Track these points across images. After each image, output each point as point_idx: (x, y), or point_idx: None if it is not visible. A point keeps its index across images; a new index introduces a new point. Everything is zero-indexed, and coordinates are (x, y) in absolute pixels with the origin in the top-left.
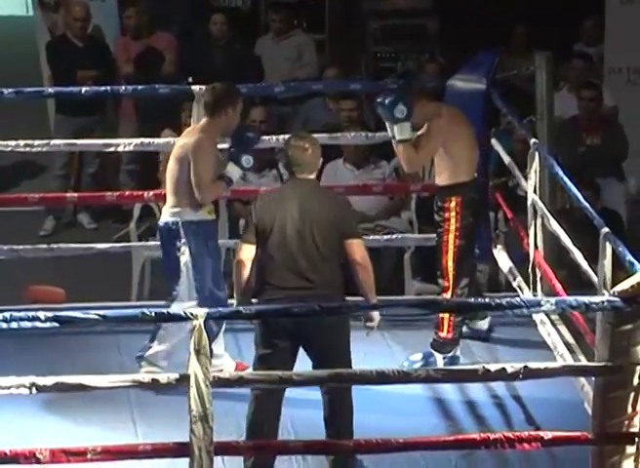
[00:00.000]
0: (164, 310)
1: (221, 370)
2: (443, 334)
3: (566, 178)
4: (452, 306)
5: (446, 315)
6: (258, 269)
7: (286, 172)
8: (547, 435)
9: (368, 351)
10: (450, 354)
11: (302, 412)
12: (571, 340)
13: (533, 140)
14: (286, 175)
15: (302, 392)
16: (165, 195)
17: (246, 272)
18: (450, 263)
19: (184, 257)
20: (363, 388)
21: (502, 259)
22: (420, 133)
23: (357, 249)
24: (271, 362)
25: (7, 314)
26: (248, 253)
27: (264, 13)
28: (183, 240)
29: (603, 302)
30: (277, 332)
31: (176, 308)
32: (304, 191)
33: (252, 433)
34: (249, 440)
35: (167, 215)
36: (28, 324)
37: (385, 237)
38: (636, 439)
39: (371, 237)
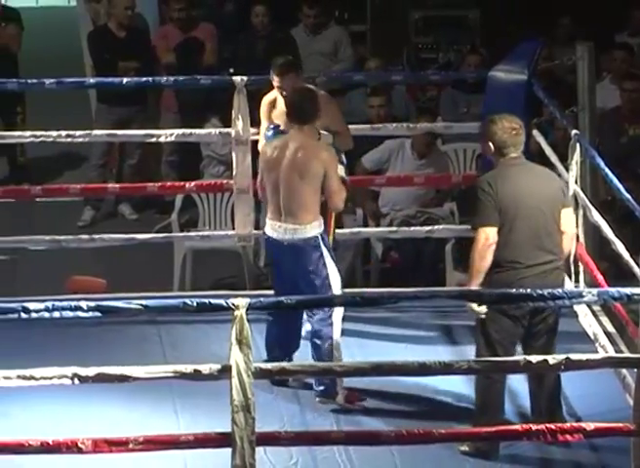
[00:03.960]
0: (205, 300)
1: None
2: None
3: (607, 170)
4: (493, 297)
5: None
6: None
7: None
8: (589, 426)
9: (409, 342)
10: None
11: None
12: (612, 332)
13: (574, 131)
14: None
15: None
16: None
17: (491, 255)
18: None
19: (329, 268)
20: (403, 379)
21: None
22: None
23: (572, 218)
24: (501, 346)
25: (49, 304)
26: (494, 235)
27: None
28: (325, 252)
29: None
30: (512, 318)
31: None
32: (526, 169)
33: (484, 414)
34: (481, 419)
35: (308, 231)
36: (70, 314)
37: (426, 228)
38: None
39: (412, 228)
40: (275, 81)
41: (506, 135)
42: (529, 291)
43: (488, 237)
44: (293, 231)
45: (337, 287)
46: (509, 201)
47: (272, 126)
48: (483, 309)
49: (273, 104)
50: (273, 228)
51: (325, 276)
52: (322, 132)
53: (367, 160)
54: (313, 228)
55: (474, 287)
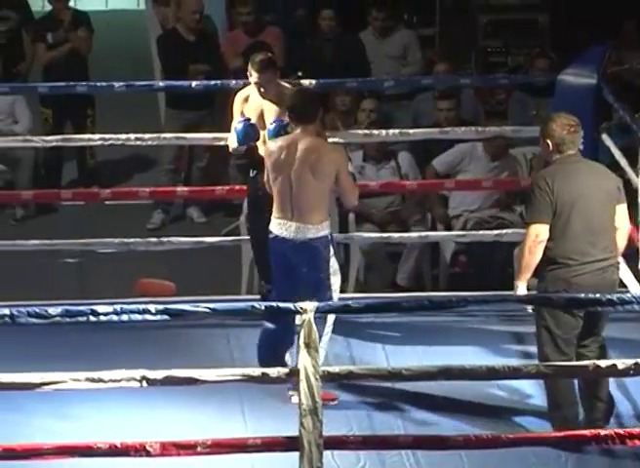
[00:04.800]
0: (274, 304)
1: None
2: None
3: None
4: (562, 301)
5: None
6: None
7: (404, 163)
8: None
9: (478, 346)
10: None
11: (412, 407)
12: None
13: None
14: (406, 167)
15: (412, 386)
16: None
17: (541, 252)
18: None
19: (333, 268)
20: (472, 383)
21: None
22: None
23: (625, 214)
24: (562, 340)
25: (117, 307)
26: (545, 232)
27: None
28: (332, 252)
29: None
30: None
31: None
32: (583, 166)
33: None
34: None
35: (319, 230)
36: (139, 316)
37: (495, 232)
38: None
39: (481, 232)
40: (254, 77)
41: (565, 131)
42: (598, 295)
43: (539, 234)
44: (304, 230)
45: (336, 288)
46: (566, 198)
47: (242, 119)
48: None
49: (246, 100)
50: (281, 227)
51: (327, 277)
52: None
53: (438, 163)
54: (324, 228)
55: (522, 281)
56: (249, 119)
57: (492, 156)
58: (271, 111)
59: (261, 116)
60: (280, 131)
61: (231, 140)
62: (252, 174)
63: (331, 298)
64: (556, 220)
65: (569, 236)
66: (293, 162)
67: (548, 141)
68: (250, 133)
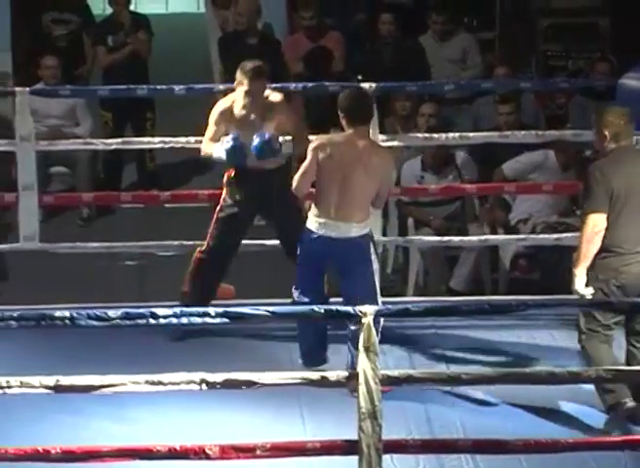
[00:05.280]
0: (333, 307)
1: None
2: None
3: None
4: (625, 306)
5: None
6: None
7: (463, 164)
8: None
9: (537, 350)
10: None
11: (471, 411)
12: None
13: None
14: (468, 174)
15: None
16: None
17: (599, 241)
18: None
19: (375, 266)
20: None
21: None
22: None
23: None
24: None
25: (177, 310)
26: (602, 221)
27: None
28: (372, 250)
29: None
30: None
31: None
32: (638, 156)
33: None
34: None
35: (362, 229)
36: (199, 319)
37: (555, 236)
38: None
39: (541, 236)
40: (245, 84)
41: (622, 122)
42: None
43: (596, 223)
44: (349, 229)
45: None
46: (620, 187)
47: (233, 136)
48: (589, 291)
49: (230, 111)
50: (325, 226)
51: (372, 272)
52: (281, 138)
53: (508, 168)
54: (366, 226)
55: (581, 270)
56: (238, 137)
57: (563, 166)
58: (259, 122)
59: (248, 127)
60: (264, 146)
61: (215, 150)
62: (230, 193)
63: (377, 296)
64: (610, 209)
65: (622, 225)
66: (347, 161)
67: (605, 132)
68: (239, 155)
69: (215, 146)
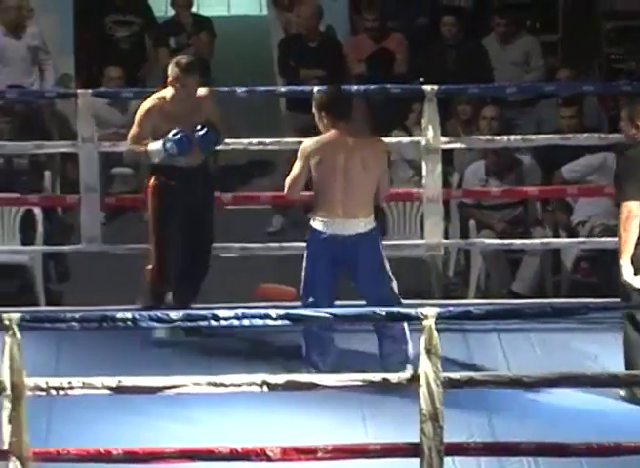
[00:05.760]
0: (395, 309)
1: None
2: None
3: None
4: None
5: None
6: None
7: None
8: None
9: (599, 353)
10: None
11: (533, 413)
12: None
13: None
14: (533, 180)
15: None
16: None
17: (637, 228)
18: None
19: (382, 258)
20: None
21: None
22: None
23: None
24: None
25: (239, 311)
26: (637, 209)
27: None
28: (378, 243)
29: None
30: None
31: None
32: None
33: None
34: None
35: (369, 223)
36: (260, 321)
37: (603, 239)
38: None
39: (603, 239)
40: (179, 79)
41: None
42: None
43: (631, 210)
44: (356, 225)
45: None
46: None
47: (178, 129)
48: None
49: (160, 109)
50: (331, 225)
51: (385, 264)
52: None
53: (567, 171)
54: (372, 221)
55: (626, 260)
56: (183, 130)
57: None
58: (192, 117)
59: (182, 123)
60: (209, 138)
61: (152, 146)
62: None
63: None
64: None
65: None
66: (342, 159)
67: (638, 122)
68: (187, 146)
69: (151, 144)
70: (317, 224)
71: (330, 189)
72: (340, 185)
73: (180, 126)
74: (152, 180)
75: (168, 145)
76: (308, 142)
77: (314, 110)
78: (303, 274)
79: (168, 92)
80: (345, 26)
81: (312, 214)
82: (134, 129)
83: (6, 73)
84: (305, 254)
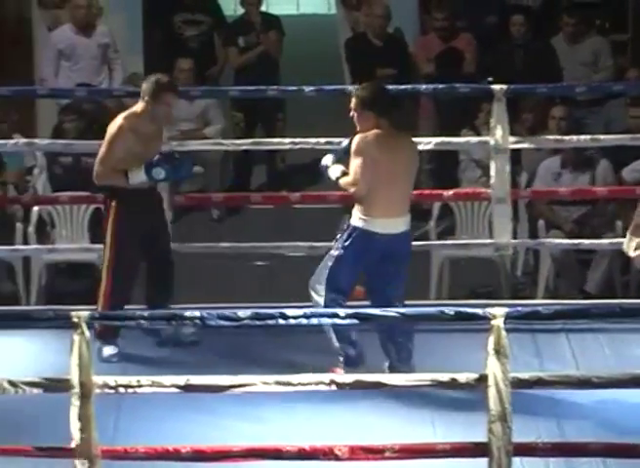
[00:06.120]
0: (463, 309)
1: None
2: None
3: None
4: None
5: None
6: None
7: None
8: None
9: None
10: None
11: (602, 414)
12: None
13: None
14: (603, 177)
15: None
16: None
17: None
18: None
19: None
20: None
21: None
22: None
23: None
24: None
25: (307, 310)
26: None
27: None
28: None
29: None
30: None
31: None
32: None
33: None
34: None
35: (408, 220)
36: (328, 320)
37: None
38: None
39: None
40: (160, 97)
41: None
42: None
43: None
44: (405, 222)
45: None
46: None
47: (169, 152)
48: None
49: (135, 128)
50: (386, 224)
51: None
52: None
53: (628, 172)
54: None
55: None
56: (174, 152)
57: None
58: (160, 138)
59: (157, 142)
60: (185, 164)
61: (134, 175)
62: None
63: None
64: None
65: None
66: (391, 155)
67: None
68: (188, 167)
69: (133, 172)
70: (365, 223)
71: (379, 188)
72: (389, 184)
73: (153, 146)
74: (113, 204)
75: (155, 172)
76: (365, 138)
77: (354, 108)
78: (332, 269)
79: (139, 110)
80: (415, 26)
81: (358, 212)
82: (104, 152)
83: (76, 71)
84: (341, 252)
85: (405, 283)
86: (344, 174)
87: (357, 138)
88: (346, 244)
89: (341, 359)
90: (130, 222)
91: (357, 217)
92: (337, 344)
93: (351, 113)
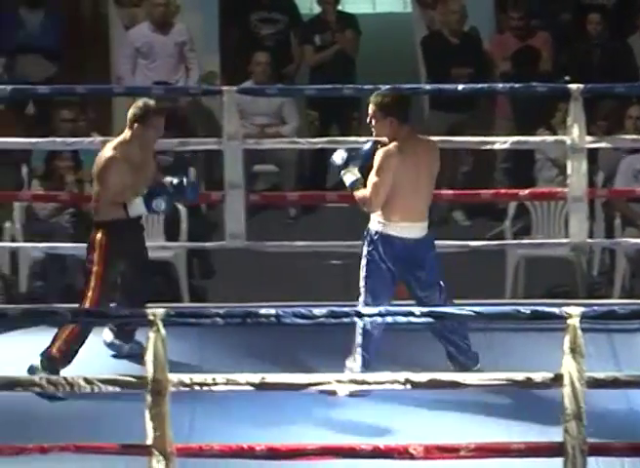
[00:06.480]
0: (538, 308)
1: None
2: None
3: None
4: None
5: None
6: None
7: None
8: None
9: None
10: None
11: None
12: None
13: None
14: None
15: None
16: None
17: None
18: None
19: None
20: None
21: None
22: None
23: None
24: None
25: (382, 309)
26: None
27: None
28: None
29: None
30: None
31: None
32: None
33: None
34: None
35: (427, 228)
36: (403, 319)
37: None
38: None
39: None
40: (150, 121)
41: None
42: None
43: None
44: (425, 226)
45: None
46: None
47: (181, 179)
48: None
49: (127, 158)
50: (411, 229)
51: None
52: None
53: None
54: None
55: None
56: (182, 182)
57: None
58: (150, 165)
59: (148, 170)
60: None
61: (135, 206)
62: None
63: None
64: None
65: None
66: (414, 161)
67: None
68: (195, 188)
69: (133, 205)
70: (384, 227)
71: (402, 194)
72: (411, 190)
73: (143, 175)
74: (99, 234)
75: (156, 204)
76: (391, 151)
77: (372, 114)
78: (365, 277)
79: (128, 137)
80: (491, 25)
81: (377, 217)
82: (100, 187)
83: (153, 70)
84: (367, 259)
85: (446, 289)
86: (359, 183)
87: (381, 154)
88: (369, 249)
89: (361, 359)
90: (116, 254)
91: (376, 222)
92: (360, 343)
93: (369, 120)
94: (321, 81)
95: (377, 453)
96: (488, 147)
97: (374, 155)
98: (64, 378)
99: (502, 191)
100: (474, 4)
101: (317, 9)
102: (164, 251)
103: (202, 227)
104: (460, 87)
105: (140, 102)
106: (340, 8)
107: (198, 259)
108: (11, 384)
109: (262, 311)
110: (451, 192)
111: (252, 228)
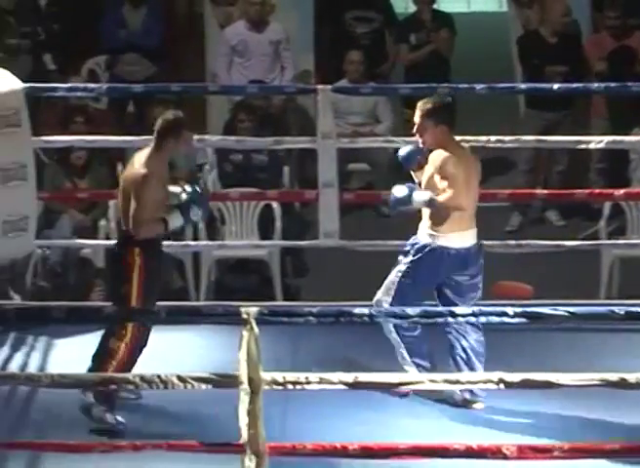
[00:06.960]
0: (634, 308)
1: None
2: None
3: None
4: None
5: None
6: None
7: None
8: None
9: None
10: None
11: None
12: None
13: None
14: None
15: None
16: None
17: None
18: None
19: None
20: None
21: None
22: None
23: None
24: None
25: (476, 308)
26: None
27: None
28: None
29: None
30: None
31: None
32: None
33: None
34: None
35: (475, 237)
36: (497, 319)
37: None
38: None
39: None
40: (181, 134)
41: None
42: None
43: None
44: (475, 235)
45: None
46: None
47: (201, 190)
48: None
49: (159, 173)
50: (459, 238)
51: None
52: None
53: None
54: None
55: None
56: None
57: None
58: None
59: (168, 185)
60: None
61: (175, 220)
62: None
63: None
64: None
65: None
66: (468, 168)
67: None
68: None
69: (172, 218)
70: (437, 239)
71: (462, 202)
72: (467, 196)
73: (166, 189)
74: (136, 257)
75: (193, 213)
76: (450, 155)
77: (420, 121)
78: (400, 287)
79: (159, 152)
80: (587, 24)
81: (428, 229)
82: (138, 205)
83: (248, 68)
84: (410, 270)
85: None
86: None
87: (443, 158)
88: (416, 260)
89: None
90: (153, 277)
91: (427, 234)
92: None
93: (415, 129)
94: (416, 80)
95: (470, 453)
96: (583, 147)
97: (414, 161)
98: (158, 376)
99: (597, 191)
100: (571, 3)
101: (412, 8)
102: (258, 249)
103: (296, 226)
104: (556, 86)
105: (170, 115)
106: (435, 7)
107: (292, 258)
108: (105, 382)
109: (356, 310)
110: (545, 192)
111: (345, 227)
